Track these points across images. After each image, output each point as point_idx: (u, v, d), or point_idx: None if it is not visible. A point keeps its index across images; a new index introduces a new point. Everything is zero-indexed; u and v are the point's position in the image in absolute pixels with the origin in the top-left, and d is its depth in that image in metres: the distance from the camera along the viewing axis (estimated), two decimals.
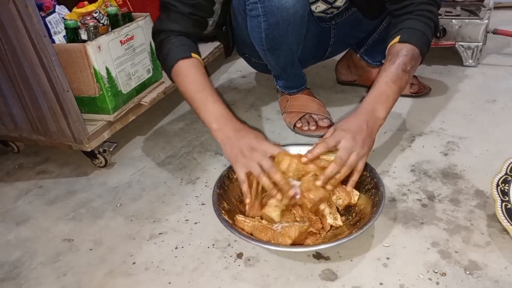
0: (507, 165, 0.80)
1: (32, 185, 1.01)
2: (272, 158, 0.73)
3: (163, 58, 0.88)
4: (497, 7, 1.83)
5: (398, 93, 0.79)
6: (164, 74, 1.21)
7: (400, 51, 0.80)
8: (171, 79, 0.90)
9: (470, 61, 1.33)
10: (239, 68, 1.51)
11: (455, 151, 0.96)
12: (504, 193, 0.74)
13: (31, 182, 1.02)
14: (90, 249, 0.79)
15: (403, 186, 0.86)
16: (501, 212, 0.71)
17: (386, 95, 0.76)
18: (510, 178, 0.78)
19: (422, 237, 0.73)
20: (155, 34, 0.90)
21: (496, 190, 0.75)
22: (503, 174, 0.78)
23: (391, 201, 0.83)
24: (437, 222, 0.76)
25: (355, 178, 0.74)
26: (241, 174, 0.73)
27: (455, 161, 0.92)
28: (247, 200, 0.73)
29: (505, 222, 0.69)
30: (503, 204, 0.72)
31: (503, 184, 0.76)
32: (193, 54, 0.86)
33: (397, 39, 0.82)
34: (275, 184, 0.71)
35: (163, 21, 0.88)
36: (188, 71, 0.84)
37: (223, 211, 0.73)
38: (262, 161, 0.71)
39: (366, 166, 0.80)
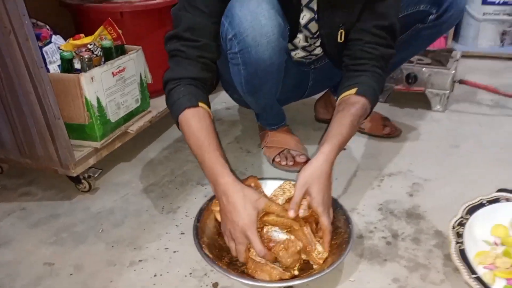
0: (463, 209, 0.88)
1: (15, 207, 1.03)
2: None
3: (171, 108, 0.89)
4: (465, 56, 1.97)
5: (349, 138, 0.87)
6: (151, 103, 1.27)
7: (357, 104, 0.88)
8: (177, 124, 0.89)
9: (438, 107, 1.44)
10: (223, 100, 1.57)
11: (420, 192, 1.03)
12: (459, 235, 0.82)
13: (14, 204, 1.05)
14: (71, 274, 0.82)
15: (371, 224, 0.93)
16: (454, 252, 0.78)
17: (338, 143, 0.83)
18: (465, 221, 0.85)
19: (385, 274, 0.80)
20: (165, 83, 0.90)
21: (452, 232, 0.82)
22: (459, 217, 0.86)
23: (358, 238, 0.89)
24: (399, 260, 0.83)
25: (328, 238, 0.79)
26: (232, 248, 0.78)
27: (419, 202, 1.00)
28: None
29: (457, 262, 0.76)
30: (457, 245, 0.79)
31: (458, 227, 0.84)
32: (200, 104, 0.86)
33: (353, 90, 0.90)
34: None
35: (173, 69, 0.90)
36: (192, 123, 0.84)
37: (203, 244, 0.78)
38: (238, 252, 0.76)
39: (336, 203, 0.87)
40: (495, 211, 0.89)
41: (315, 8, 0.96)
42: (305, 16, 0.98)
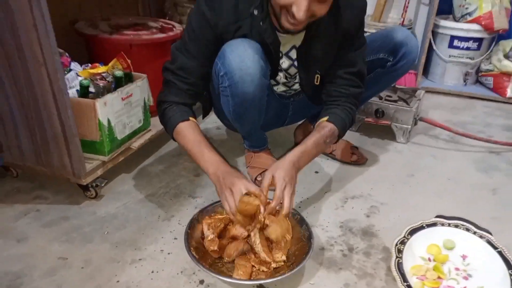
0: (406, 230, 1.08)
1: (29, 208, 1.20)
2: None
3: (166, 122, 1.11)
4: (432, 92, 2.21)
5: (316, 155, 1.10)
6: (151, 122, 1.45)
7: (326, 127, 1.11)
8: (173, 138, 1.12)
9: (402, 139, 1.65)
10: (214, 120, 1.75)
11: (375, 214, 1.23)
12: (399, 251, 1.01)
13: (28, 206, 1.21)
14: (82, 267, 0.99)
15: (332, 239, 1.12)
16: (394, 265, 0.97)
17: (308, 154, 1.06)
18: (406, 240, 1.05)
19: (338, 279, 0.99)
20: (160, 103, 1.12)
21: (394, 248, 1.02)
22: (402, 236, 1.06)
23: (321, 249, 1.08)
24: (351, 269, 1.02)
25: (288, 204, 0.96)
26: (225, 207, 0.97)
27: (374, 222, 1.20)
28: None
29: (395, 273, 0.95)
30: (397, 259, 0.99)
31: (400, 244, 1.04)
32: (190, 118, 1.10)
33: (325, 118, 1.13)
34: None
35: (166, 94, 1.11)
36: (187, 131, 1.07)
37: (191, 248, 0.96)
38: (232, 201, 0.96)
39: (303, 220, 1.06)
40: (431, 233, 1.09)
41: (294, 57, 1.16)
42: (284, 63, 1.18)
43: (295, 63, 1.18)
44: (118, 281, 0.95)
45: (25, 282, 0.94)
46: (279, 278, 0.89)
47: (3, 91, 1.09)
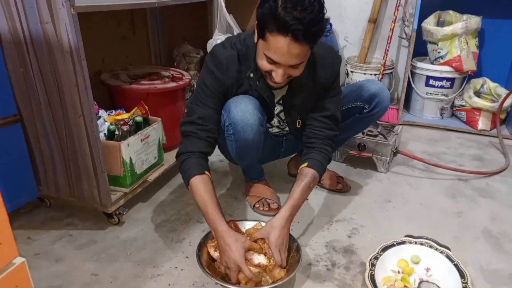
0: (379, 247, 1.30)
1: (63, 233, 1.42)
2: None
3: (183, 174, 1.26)
4: (413, 125, 2.46)
5: (304, 200, 1.29)
6: (164, 158, 1.69)
7: (308, 174, 1.31)
8: (187, 185, 1.25)
9: (382, 169, 1.88)
10: (218, 154, 1.99)
11: (356, 235, 1.45)
12: (373, 265, 1.23)
13: (62, 231, 1.43)
14: (111, 282, 1.21)
15: (318, 256, 1.34)
16: (367, 276, 1.18)
17: (297, 205, 1.26)
18: (379, 255, 1.27)
19: None
20: (179, 155, 1.28)
21: (368, 263, 1.24)
22: (375, 253, 1.28)
23: (308, 265, 1.30)
24: (333, 281, 1.23)
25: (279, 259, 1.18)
26: (222, 269, 1.17)
27: (354, 242, 1.41)
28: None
29: (367, 283, 1.16)
30: (370, 272, 1.20)
31: (374, 259, 1.25)
32: (206, 172, 1.24)
33: (306, 164, 1.33)
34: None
35: (186, 145, 1.27)
36: (199, 186, 1.21)
37: (203, 263, 1.18)
38: (232, 276, 1.14)
39: (294, 239, 1.28)
40: (401, 250, 1.30)
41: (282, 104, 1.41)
42: (277, 109, 1.43)
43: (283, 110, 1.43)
44: None
45: None
46: (273, 285, 1.11)
47: (46, 137, 1.34)
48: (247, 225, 1.34)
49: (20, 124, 1.33)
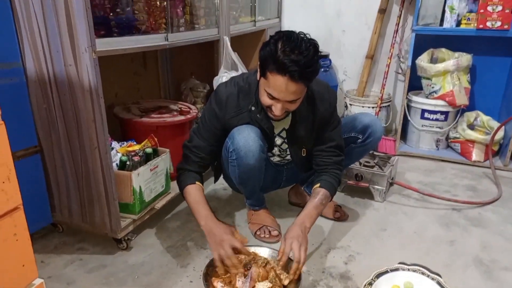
0: (374, 274, 1.37)
1: (74, 258, 1.50)
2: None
3: (179, 184, 1.48)
4: (410, 156, 2.55)
5: (317, 214, 1.42)
6: (171, 186, 1.78)
7: (320, 192, 1.44)
8: (182, 194, 1.47)
9: (378, 198, 1.96)
10: (222, 183, 2.09)
11: (352, 262, 1.52)
12: None
13: (73, 256, 1.51)
14: None
15: (315, 281, 1.41)
16: None
17: (310, 215, 1.39)
18: (373, 281, 1.34)
19: None
20: (178, 170, 1.50)
21: None
22: (370, 279, 1.34)
23: None
24: None
25: (300, 267, 1.26)
26: (215, 256, 1.27)
27: (350, 268, 1.48)
28: (220, 271, 1.26)
29: None
30: None
31: (368, 285, 1.32)
32: (197, 182, 1.45)
33: (318, 184, 1.47)
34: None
35: (183, 164, 1.50)
36: (191, 191, 1.43)
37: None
38: (222, 251, 1.25)
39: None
40: (394, 276, 1.37)
41: (285, 136, 1.53)
42: (277, 140, 1.54)
43: (286, 140, 1.54)
44: None
45: None
46: None
47: (63, 166, 1.45)
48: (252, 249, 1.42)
49: (40, 155, 1.45)
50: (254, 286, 1.24)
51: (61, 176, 1.48)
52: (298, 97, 1.30)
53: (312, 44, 1.24)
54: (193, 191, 1.43)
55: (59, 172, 1.47)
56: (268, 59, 1.23)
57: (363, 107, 2.68)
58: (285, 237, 1.32)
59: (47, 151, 1.45)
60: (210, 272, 1.31)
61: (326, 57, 2.77)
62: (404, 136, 2.69)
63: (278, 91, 1.25)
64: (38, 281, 0.96)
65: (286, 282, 1.25)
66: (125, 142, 1.67)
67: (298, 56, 1.19)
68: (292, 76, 1.20)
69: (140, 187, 1.53)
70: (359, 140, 1.64)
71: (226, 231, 1.32)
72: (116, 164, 1.54)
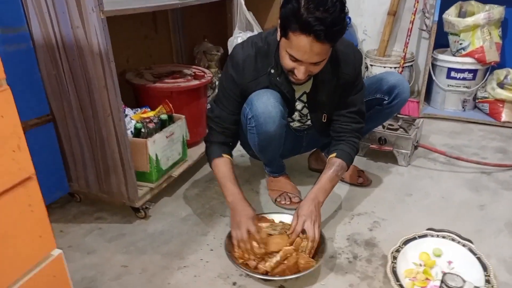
0: (401, 241, 1.31)
1: (93, 227, 1.49)
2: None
3: (208, 156, 1.44)
4: (434, 117, 2.44)
5: (332, 187, 1.35)
6: (188, 154, 1.73)
7: (335, 163, 1.36)
8: (211, 167, 1.43)
9: (403, 162, 1.88)
10: (239, 149, 2.03)
11: (377, 228, 1.47)
12: (395, 258, 1.25)
13: (92, 225, 1.50)
14: (140, 273, 1.26)
15: (340, 249, 1.36)
16: (389, 269, 1.20)
17: (324, 189, 1.32)
18: (401, 248, 1.28)
19: (345, 281, 1.23)
20: (205, 141, 1.46)
21: (390, 256, 1.25)
22: (397, 246, 1.29)
23: (331, 257, 1.32)
24: (355, 273, 1.26)
25: (314, 245, 1.23)
26: (233, 235, 1.25)
27: (376, 235, 1.43)
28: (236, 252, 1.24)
29: (389, 275, 1.18)
30: (392, 264, 1.22)
31: (396, 252, 1.27)
32: (224, 155, 1.39)
33: (334, 154, 1.39)
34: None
35: (209, 135, 1.44)
36: (219, 166, 1.38)
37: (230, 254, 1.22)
38: (239, 232, 1.23)
39: (321, 234, 1.31)
40: (422, 243, 1.32)
41: (305, 100, 1.44)
42: (298, 105, 1.46)
43: (306, 105, 1.46)
44: (169, 283, 1.22)
45: (98, 285, 1.22)
46: (298, 275, 1.14)
47: (77, 135, 1.40)
48: (273, 216, 1.40)
49: (53, 124, 1.40)
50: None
51: (75, 145, 1.44)
52: (323, 59, 1.19)
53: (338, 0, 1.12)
54: (221, 165, 1.38)
55: (74, 141, 1.43)
56: (290, 17, 1.11)
57: (384, 67, 2.55)
58: (297, 214, 1.27)
59: (60, 119, 1.40)
60: (231, 242, 1.28)
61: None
62: (428, 97, 2.56)
63: (302, 52, 1.15)
64: (56, 251, 0.93)
65: (303, 262, 1.21)
66: (139, 109, 1.61)
67: (324, 13, 1.07)
68: (318, 36, 1.09)
69: (156, 154, 1.48)
70: (385, 102, 1.54)
71: (248, 213, 1.27)
72: (131, 131, 1.49)
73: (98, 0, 1.10)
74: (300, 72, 1.20)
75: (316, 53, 1.14)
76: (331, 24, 1.08)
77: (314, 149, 1.83)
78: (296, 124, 1.58)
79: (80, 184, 1.53)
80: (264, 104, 1.32)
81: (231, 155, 1.44)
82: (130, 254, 1.34)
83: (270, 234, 1.27)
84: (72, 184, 1.54)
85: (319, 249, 1.25)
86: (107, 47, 1.16)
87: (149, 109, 1.60)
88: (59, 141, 1.44)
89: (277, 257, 1.19)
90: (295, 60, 1.18)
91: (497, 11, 2.21)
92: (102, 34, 1.13)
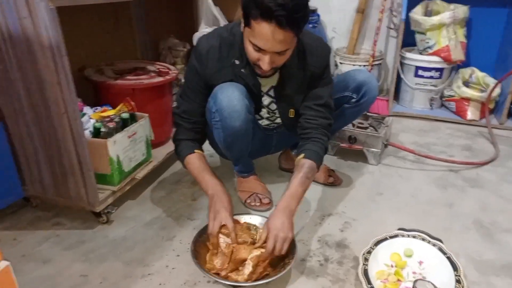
0: (372, 242, 1.29)
1: (50, 234, 1.38)
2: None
3: (178, 156, 1.39)
4: (402, 116, 2.45)
5: (303, 191, 1.26)
6: (153, 154, 1.65)
7: (304, 165, 1.29)
8: (184, 166, 1.37)
9: (373, 161, 1.87)
10: (208, 149, 1.96)
11: (348, 229, 1.44)
12: (366, 259, 1.22)
13: (49, 231, 1.39)
14: (100, 283, 1.18)
15: (311, 251, 1.33)
16: (360, 272, 1.18)
17: (295, 195, 1.24)
18: (372, 250, 1.26)
19: (316, 285, 1.19)
20: (174, 141, 1.40)
21: (361, 257, 1.23)
22: (368, 247, 1.27)
23: (302, 260, 1.28)
24: (326, 276, 1.23)
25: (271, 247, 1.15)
26: (209, 225, 1.19)
27: (347, 236, 1.40)
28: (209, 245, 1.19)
29: (361, 277, 1.16)
30: (363, 266, 1.20)
31: (367, 254, 1.24)
32: (196, 151, 1.35)
33: (302, 155, 1.32)
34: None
35: (177, 133, 1.39)
36: (193, 161, 1.33)
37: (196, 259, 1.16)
38: (211, 224, 1.18)
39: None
40: (394, 243, 1.30)
41: (273, 95, 1.39)
42: (265, 100, 1.41)
43: (274, 100, 1.41)
44: None
45: None
46: (268, 280, 1.10)
47: (29, 135, 1.30)
48: (243, 218, 1.34)
49: (2, 123, 1.29)
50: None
51: (28, 146, 1.33)
52: (287, 48, 1.15)
53: None
54: (194, 160, 1.34)
55: (26, 141, 1.32)
56: (251, 4, 1.08)
57: (353, 65, 2.55)
58: (268, 226, 1.18)
59: (10, 118, 1.29)
60: (198, 248, 1.21)
61: (314, 12, 2.59)
62: (397, 95, 2.58)
63: (265, 40, 1.11)
64: (3, 263, 0.84)
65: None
66: (98, 108, 1.52)
67: None
68: (279, 22, 1.06)
69: (117, 156, 1.40)
70: (353, 100, 1.51)
71: (226, 206, 1.22)
72: (90, 131, 1.39)
73: None
74: (264, 63, 1.16)
75: (279, 41, 1.10)
76: (293, 9, 1.05)
77: (285, 149, 1.79)
78: (265, 122, 1.53)
79: (36, 188, 1.42)
80: (229, 97, 1.26)
81: (202, 150, 1.39)
82: (90, 263, 1.26)
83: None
84: (27, 188, 1.43)
85: (289, 252, 1.20)
86: (59, 40, 1.07)
87: (109, 108, 1.51)
88: (10, 142, 1.33)
89: (249, 268, 1.13)
90: (259, 49, 1.14)
91: (462, 10, 2.25)
92: (52, 26, 1.04)
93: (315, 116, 1.38)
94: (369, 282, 1.14)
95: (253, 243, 1.21)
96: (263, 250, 1.15)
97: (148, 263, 1.26)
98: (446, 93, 2.43)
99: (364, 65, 2.52)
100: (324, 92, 1.38)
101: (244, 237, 1.21)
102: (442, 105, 2.52)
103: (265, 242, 1.16)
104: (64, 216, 1.47)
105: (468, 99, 2.32)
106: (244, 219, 1.33)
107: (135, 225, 1.44)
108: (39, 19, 1.04)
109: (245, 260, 1.14)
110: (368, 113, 2.04)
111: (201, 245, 1.22)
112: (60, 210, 1.49)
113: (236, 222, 1.24)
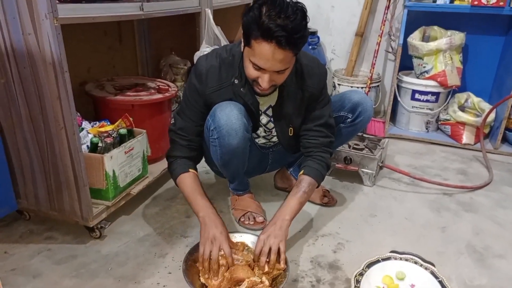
0: (365, 264, 1.29)
1: (42, 248, 1.38)
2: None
3: (171, 173, 1.38)
4: (399, 138, 2.47)
5: (300, 205, 1.31)
6: (149, 170, 1.66)
7: (303, 181, 1.34)
8: (176, 184, 1.37)
9: (368, 182, 1.88)
10: (204, 166, 1.97)
11: (341, 250, 1.44)
12: (358, 281, 1.22)
13: (41, 245, 1.39)
14: None
15: (303, 272, 1.32)
16: None
17: (291, 208, 1.28)
18: (364, 272, 1.26)
19: None
20: (167, 158, 1.39)
21: (353, 279, 1.22)
22: (361, 269, 1.26)
23: (294, 281, 1.28)
24: None
25: (280, 257, 1.19)
26: (201, 252, 1.18)
27: (339, 257, 1.40)
28: (200, 267, 1.18)
29: None
30: None
31: (359, 276, 1.24)
32: (190, 170, 1.34)
33: (302, 172, 1.36)
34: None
35: (171, 150, 1.39)
36: (186, 181, 1.33)
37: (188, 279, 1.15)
38: (208, 249, 1.17)
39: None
40: (386, 266, 1.29)
41: (271, 114, 1.42)
42: (263, 119, 1.43)
43: (272, 119, 1.43)
44: None
45: None
46: None
47: (26, 148, 1.31)
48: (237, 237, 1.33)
49: (0, 135, 1.30)
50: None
51: (25, 159, 1.34)
52: (286, 67, 1.19)
53: (299, 8, 1.13)
54: (187, 180, 1.33)
55: (23, 154, 1.33)
56: (252, 25, 1.11)
57: (351, 87, 2.58)
58: (260, 233, 1.23)
59: (8, 131, 1.30)
60: (189, 266, 1.20)
61: (314, 34, 2.64)
62: (393, 118, 2.60)
63: (265, 59, 1.14)
64: None
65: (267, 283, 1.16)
66: (97, 122, 1.54)
67: (285, 20, 1.09)
68: (279, 42, 1.09)
69: (113, 171, 1.41)
70: (349, 120, 1.53)
71: (222, 230, 1.22)
72: (87, 146, 1.41)
73: (52, 7, 1.03)
74: (264, 81, 1.18)
75: (279, 60, 1.14)
76: (292, 30, 1.09)
77: (280, 167, 1.80)
78: (261, 141, 1.54)
79: (29, 201, 1.43)
80: (227, 115, 1.29)
81: (196, 170, 1.39)
82: (81, 278, 1.25)
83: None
84: (21, 201, 1.43)
85: (280, 274, 1.20)
86: (61, 56, 1.09)
87: (108, 123, 1.53)
88: (7, 154, 1.34)
89: None
90: (258, 68, 1.17)
91: (458, 37, 2.29)
92: (56, 43, 1.07)
93: (316, 136, 1.42)
94: None
95: (249, 264, 1.21)
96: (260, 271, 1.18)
97: (140, 280, 1.25)
98: (442, 116, 2.46)
99: (362, 87, 2.55)
100: (323, 112, 1.42)
101: (241, 257, 1.21)
102: (438, 129, 2.54)
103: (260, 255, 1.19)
104: (57, 230, 1.47)
105: (463, 123, 2.34)
106: (235, 237, 1.33)
107: (128, 240, 1.43)
108: (43, 35, 1.07)
109: (241, 280, 1.14)
110: (364, 135, 2.06)
111: (192, 264, 1.22)
112: (53, 224, 1.49)
113: (231, 243, 1.24)
